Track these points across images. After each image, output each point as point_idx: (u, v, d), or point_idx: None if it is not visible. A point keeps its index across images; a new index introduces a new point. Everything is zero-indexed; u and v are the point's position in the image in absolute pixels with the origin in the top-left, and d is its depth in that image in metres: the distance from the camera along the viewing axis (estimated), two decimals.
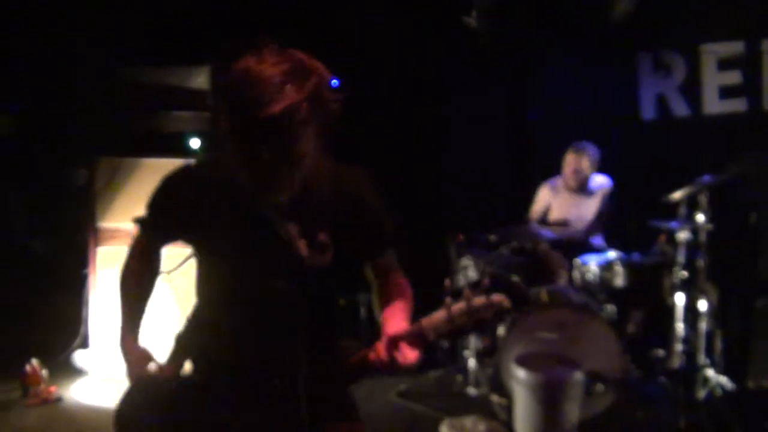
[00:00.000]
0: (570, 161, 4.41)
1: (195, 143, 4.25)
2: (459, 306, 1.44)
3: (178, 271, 2.99)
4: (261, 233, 1.61)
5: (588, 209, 4.44)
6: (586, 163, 4.38)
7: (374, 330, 4.75)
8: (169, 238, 1.82)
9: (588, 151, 4.40)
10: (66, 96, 4.33)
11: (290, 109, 1.38)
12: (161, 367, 1.62)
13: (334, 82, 4.88)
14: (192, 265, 1.80)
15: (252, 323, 1.64)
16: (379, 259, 1.76)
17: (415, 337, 1.50)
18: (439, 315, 1.47)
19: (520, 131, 5.23)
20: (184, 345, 1.73)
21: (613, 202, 4.46)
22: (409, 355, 1.50)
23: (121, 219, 4.23)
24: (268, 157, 1.45)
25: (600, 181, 4.47)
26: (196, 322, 1.74)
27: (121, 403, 1.65)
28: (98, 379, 4.18)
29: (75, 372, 4.25)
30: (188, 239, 1.74)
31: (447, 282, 1.63)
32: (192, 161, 1.81)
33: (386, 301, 1.72)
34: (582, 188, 4.46)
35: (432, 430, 3.45)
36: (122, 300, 1.79)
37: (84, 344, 4.36)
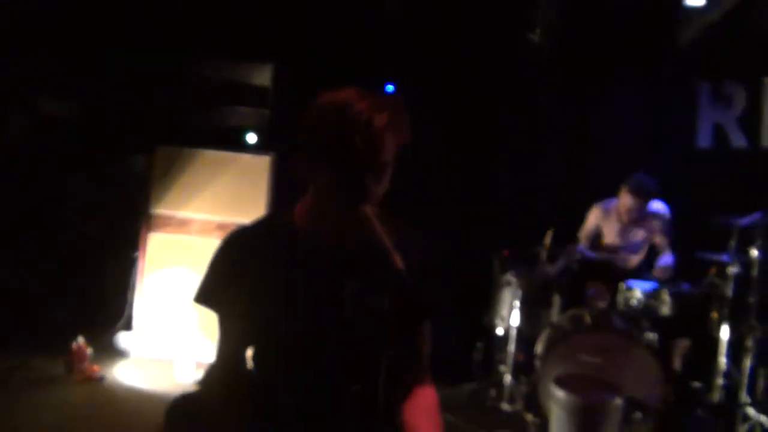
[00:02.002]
0: (627, 201, 4.22)
1: (252, 138, 4.33)
2: None
3: None
4: (341, 285, 1.56)
5: (640, 234, 4.37)
6: (643, 207, 4.24)
7: None
8: (244, 321, 1.59)
9: (648, 196, 4.21)
10: (132, 85, 4.46)
11: (391, 155, 1.48)
12: None
13: (390, 87, 4.89)
14: None
15: (323, 373, 1.57)
16: (419, 327, 1.66)
17: None
18: None
19: (576, 151, 5.19)
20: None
21: (671, 230, 4.36)
22: None
23: (175, 207, 4.34)
24: (360, 194, 1.48)
25: (657, 207, 4.35)
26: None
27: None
28: (140, 361, 4.28)
29: (118, 353, 4.36)
30: (251, 304, 1.57)
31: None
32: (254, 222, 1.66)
33: (416, 402, 1.64)
34: (635, 222, 4.36)
35: None
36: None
37: (128, 326, 4.47)
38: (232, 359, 1.62)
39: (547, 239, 4.06)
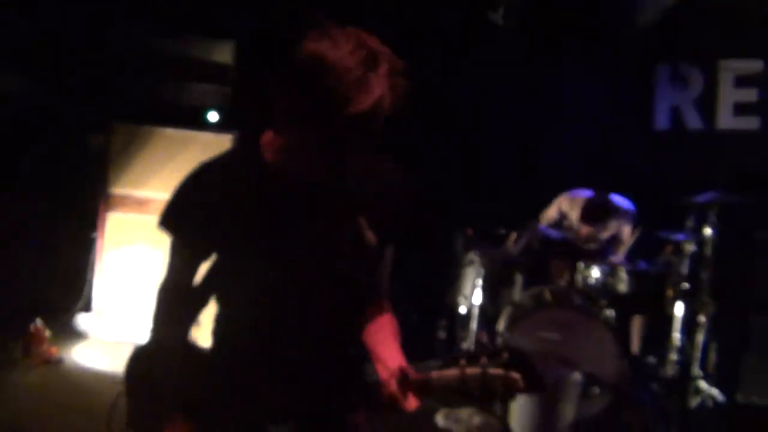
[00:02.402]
0: (583, 229, 4.25)
1: (213, 117, 4.26)
2: (473, 371, 1.38)
3: None
4: (325, 223, 1.54)
5: (603, 232, 4.42)
6: (601, 227, 4.27)
7: None
8: (207, 254, 1.58)
9: (604, 220, 4.25)
10: (89, 59, 4.33)
11: (377, 102, 1.35)
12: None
13: None
14: None
15: (304, 311, 1.57)
16: (384, 255, 1.68)
17: (421, 386, 1.46)
18: (451, 373, 1.41)
19: (536, 131, 5.25)
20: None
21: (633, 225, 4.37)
22: (411, 402, 1.46)
23: (133, 186, 4.26)
24: (347, 148, 1.43)
25: (622, 203, 4.37)
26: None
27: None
28: (99, 343, 4.22)
29: (77, 335, 4.28)
30: (222, 243, 1.56)
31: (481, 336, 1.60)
32: (208, 159, 1.59)
33: (374, 316, 1.67)
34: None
35: (428, 420, 3.50)
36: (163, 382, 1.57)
37: (87, 308, 4.39)
38: (181, 283, 1.59)
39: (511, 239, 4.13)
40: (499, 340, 3.70)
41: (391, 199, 1.62)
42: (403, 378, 1.46)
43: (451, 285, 4.34)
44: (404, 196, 1.67)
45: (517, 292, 4.11)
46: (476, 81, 5.23)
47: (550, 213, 4.50)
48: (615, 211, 4.26)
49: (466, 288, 4.16)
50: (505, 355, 1.38)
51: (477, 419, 3.42)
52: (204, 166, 1.56)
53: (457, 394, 1.41)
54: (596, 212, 4.25)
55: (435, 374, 1.44)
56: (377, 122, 1.39)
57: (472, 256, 4.15)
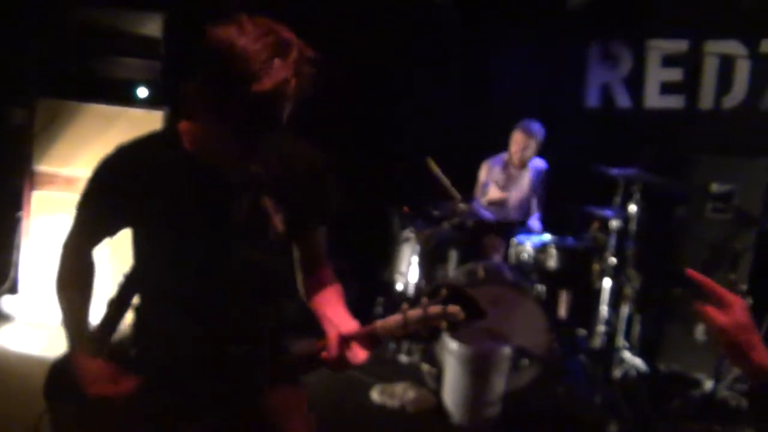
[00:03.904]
0: (517, 139, 4.51)
1: (142, 92, 4.13)
2: (415, 312, 1.45)
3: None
4: (232, 205, 1.59)
5: (522, 188, 4.62)
6: (533, 144, 4.51)
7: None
8: (112, 231, 1.67)
9: (536, 133, 4.51)
10: (10, 30, 4.12)
11: (280, 84, 1.38)
12: (122, 381, 1.57)
13: None
14: None
15: (216, 293, 1.63)
16: (316, 231, 1.76)
17: (367, 338, 1.52)
18: (394, 319, 1.48)
19: (473, 109, 5.31)
20: (118, 308, 1.72)
21: (544, 185, 4.64)
22: (359, 354, 1.52)
23: (60, 164, 4.10)
24: (253, 130, 1.46)
25: (537, 164, 4.62)
26: (143, 293, 1.71)
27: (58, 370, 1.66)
28: (26, 326, 4.09)
29: (3, 317, 4.14)
30: (138, 223, 1.64)
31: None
32: (126, 141, 1.64)
33: (319, 285, 1.73)
34: (522, 166, 4.60)
35: (363, 395, 3.56)
36: (66, 311, 1.68)
37: (13, 290, 4.25)
38: (84, 252, 1.69)
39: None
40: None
41: (308, 181, 1.67)
42: (342, 339, 1.52)
43: (387, 262, 4.39)
44: (322, 178, 1.71)
45: (452, 269, 4.19)
46: (413, 60, 5.24)
47: (480, 183, 4.68)
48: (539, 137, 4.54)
49: (402, 265, 4.21)
50: (444, 292, 1.46)
51: (411, 393, 3.49)
52: (119, 149, 1.61)
53: (404, 337, 1.50)
54: (530, 128, 4.52)
55: (379, 323, 1.51)
56: (279, 106, 1.43)
57: (408, 233, 4.20)
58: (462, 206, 4.13)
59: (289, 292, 1.80)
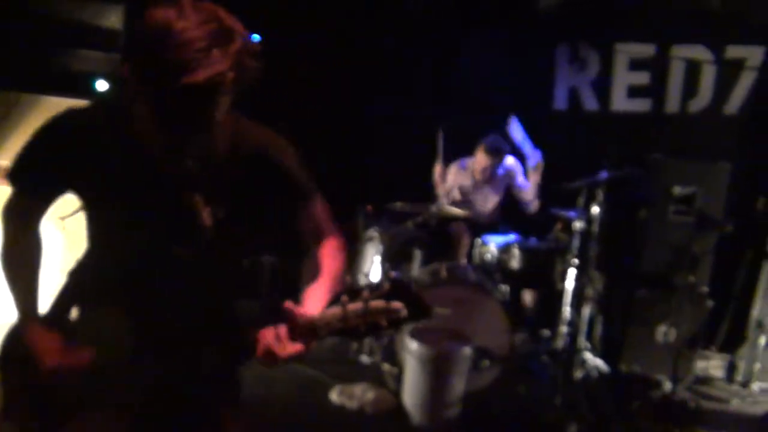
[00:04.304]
0: (482, 160, 4.47)
1: (102, 86, 4.05)
2: (355, 306, 1.38)
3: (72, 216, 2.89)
4: (163, 197, 1.52)
5: (486, 195, 4.61)
6: (496, 163, 4.50)
7: (277, 291, 4.73)
8: (54, 197, 1.61)
9: (500, 152, 4.47)
10: None
11: (216, 77, 1.30)
12: (75, 353, 1.52)
13: (256, 36, 4.75)
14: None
15: (148, 288, 1.56)
16: (304, 209, 1.67)
17: (304, 331, 1.44)
18: (333, 312, 1.41)
19: (440, 111, 5.29)
20: (73, 290, 1.65)
21: (524, 181, 4.63)
22: (288, 348, 1.44)
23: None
24: (184, 123, 1.38)
25: (508, 164, 4.60)
26: (90, 273, 1.64)
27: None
28: None
29: None
30: (78, 193, 1.58)
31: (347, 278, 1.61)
32: (78, 105, 1.57)
33: (311, 276, 1.65)
34: (486, 181, 4.61)
35: (323, 395, 3.52)
36: (12, 282, 1.61)
37: None
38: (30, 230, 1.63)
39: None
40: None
41: (271, 165, 1.60)
42: (275, 333, 1.45)
43: (351, 262, 4.34)
44: (287, 158, 1.64)
45: (416, 268, 4.17)
46: (382, 59, 5.22)
47: (446, 186, 4.64)
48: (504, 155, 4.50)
49: (366, 265, 4.18)
50: (387, 286, 1.39)
51: (371, 394, 3.46)
52: (68, 110, 1.54)
53: (343, 332, 1.41)
54: (496, 149, 4.48)
55: (318, 315, 1.44)
56: (212, 100, 1.35)
57: (372, 232, 4.17)
58: (426, 205, 4.12)
59: (248, 293, 1.74)
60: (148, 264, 1.55)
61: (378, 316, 1.38)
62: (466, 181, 4.63)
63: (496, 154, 4.43)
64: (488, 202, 4.67)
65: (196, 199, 1.51)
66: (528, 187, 4.57)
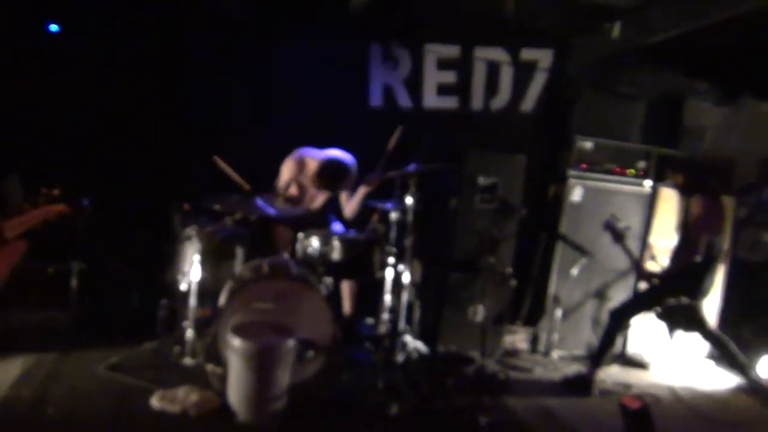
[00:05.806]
0: (317, 180, 4.46)
1: None
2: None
3: None
4: None
5: (313, 194, 4.68)
6: (307, 172, 4.55)
7: (84, 300, 4.41)
8: None
9: (310, 161, 4.54)
10: None
11: None
12: None
13: (54, 27, 4.43)
14: None
15: None
16: None
17: None
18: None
19: (259, 108, 5.28)
20: None
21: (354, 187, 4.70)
22: None
23: None
24: None
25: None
26: None
27: None
28: None
29: None
30: None
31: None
32: None
33: None
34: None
35: (142, 403, 3.37)
36: None
37: None
38: None
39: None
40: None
41: None
42: None
43: (170, 262, 4.20)
44: None
45: (238, 265, 4.12)
46: (199, 58, 5.13)
47: (284, 181, 4.61)
48: (347, 173, 4.49)
49: (185, 264, 4.06)
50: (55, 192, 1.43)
51: (194, 396, 3.37)
52: None
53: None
54: (331, 177, 4.46)
55: None
56: None
57: (190, 231, 4.05)
58: (241, 200, 4.08)
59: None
60: None
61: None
62: (301, 179, 4.63)
63: (330, 184, 4.47)
64: (317, 200, 4.72)
65: None
66: (352, 199, 4.68)
